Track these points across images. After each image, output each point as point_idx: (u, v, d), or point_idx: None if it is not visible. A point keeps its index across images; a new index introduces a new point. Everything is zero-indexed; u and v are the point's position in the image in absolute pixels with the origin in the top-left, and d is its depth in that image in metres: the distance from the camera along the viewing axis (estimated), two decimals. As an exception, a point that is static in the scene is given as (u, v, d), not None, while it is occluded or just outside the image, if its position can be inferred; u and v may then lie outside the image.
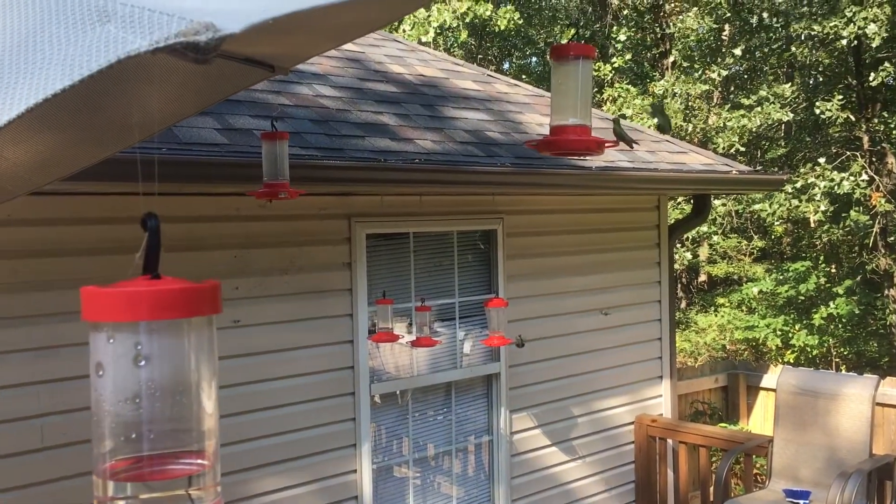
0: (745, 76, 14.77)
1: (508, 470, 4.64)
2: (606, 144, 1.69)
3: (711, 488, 4.82)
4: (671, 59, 14.25)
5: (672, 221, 5.78)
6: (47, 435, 3.16)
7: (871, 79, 11.36)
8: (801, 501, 4.39)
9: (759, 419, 6.88)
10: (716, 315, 12.16)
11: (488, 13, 11.54)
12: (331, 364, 3.95)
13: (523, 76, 15.93)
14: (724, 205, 12.68)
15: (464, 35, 11.93)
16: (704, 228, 12.68)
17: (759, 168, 12.26)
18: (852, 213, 11.83)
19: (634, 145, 2.07)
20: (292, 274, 3.80)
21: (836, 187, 10.82)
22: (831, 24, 10.78)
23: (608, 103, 12.69)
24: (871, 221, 12.03)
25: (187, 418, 0.82)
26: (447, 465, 4.56)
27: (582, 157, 4.52)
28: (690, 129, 11.89)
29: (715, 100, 14.05)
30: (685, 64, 13.47)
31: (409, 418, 4.36)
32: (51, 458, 3.16)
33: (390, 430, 4.31)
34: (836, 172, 10.99)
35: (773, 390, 5.42)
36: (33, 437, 3.13)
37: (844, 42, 11.12)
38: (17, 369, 3.11)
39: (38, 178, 1.82)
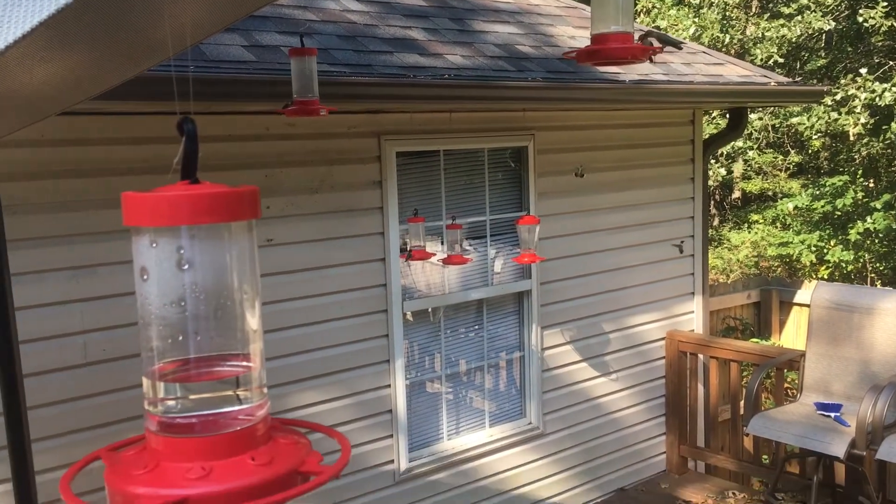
0: (785, -17, 14.18)
1: (540, 385, 4.70)
2: (650, 51, 1.64)
3: (742, 402, 4.86)
4: (708, -34, 13.69)
5: (707, 136, 5.66)
6: (90, 351, 3.25)
7: (918, -16, 10.87)
8: (833, 414, 4.41)
9: (792, 335, 6.88)
10: (749, 232, 12.03)
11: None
12: (363, 282, 3.98)
13: (553, -12, 15.45)
14: (760, 119, 12.37)
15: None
16: (740, 143, 12.42)
17: (798, 80, 11.90)
18: (893, 125, 11.48)
19: (682, 45, 2.00)
20: (323, 193, 3.81)
21: (877, 99, 10.49)
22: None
23: (642, 14, 12.31)
24: (912, 134, 11.69)
25: (232, 321, 0.82)
26: (479, 381, 4.63)
27: (623, 67, 4.42)
28: (728, 39, 11.51)
29: (753, 9, 13.56)
30: (723, -29, 12.94)
31: (441, 335, 4.41)
32: (93, 373, 3.26)
33: (423, 346, 4.37)
34: (877, 83, 10.63)
35: (807, 306, 5.39)
36: (77, 353, 3.23)
37: (891, -56, 10.61)
38: (57, 287, 3.17)
39: (68, 97, 1.81)
